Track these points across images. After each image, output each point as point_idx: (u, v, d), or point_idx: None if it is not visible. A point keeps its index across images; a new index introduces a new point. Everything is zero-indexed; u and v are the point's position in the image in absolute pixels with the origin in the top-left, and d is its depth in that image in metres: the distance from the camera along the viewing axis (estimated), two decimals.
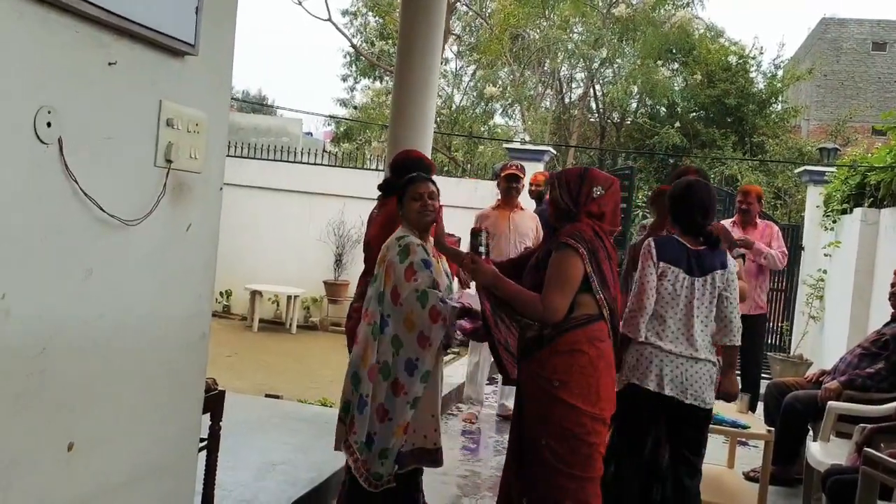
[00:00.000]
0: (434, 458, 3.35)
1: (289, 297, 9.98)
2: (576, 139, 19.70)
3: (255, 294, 9.84)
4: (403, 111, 5.08)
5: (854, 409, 4.46)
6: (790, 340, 8.78)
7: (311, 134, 31.01)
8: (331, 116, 21.30)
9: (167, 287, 2.39)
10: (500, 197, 6.24)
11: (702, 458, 3.56)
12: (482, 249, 3.25)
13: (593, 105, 21.57)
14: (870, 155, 7.06)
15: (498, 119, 21.41)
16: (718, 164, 17.38)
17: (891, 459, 3.12)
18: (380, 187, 4.28)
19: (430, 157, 4.28)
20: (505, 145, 10.80)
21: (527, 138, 10.44)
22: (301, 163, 10.96)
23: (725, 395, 3.66)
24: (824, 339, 8.02)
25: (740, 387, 6.57)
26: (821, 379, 5.18)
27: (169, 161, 2.28)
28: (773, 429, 4.37)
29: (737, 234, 6.51)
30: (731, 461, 5.00)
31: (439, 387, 3.42)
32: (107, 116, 2.05)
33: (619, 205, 3.17)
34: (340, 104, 23.74)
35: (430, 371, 3.19)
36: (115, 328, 2.16)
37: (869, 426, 3.80)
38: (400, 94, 5.17)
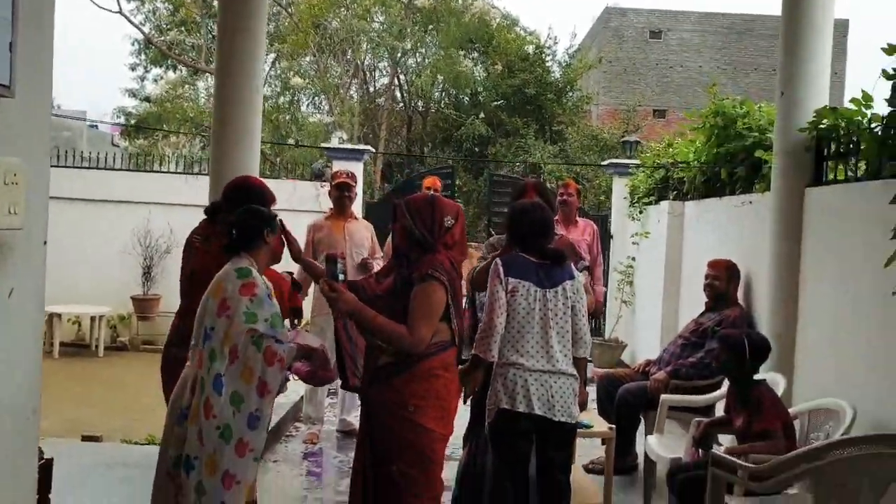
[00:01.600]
0: None
1: (92, 318, 9.18)
2: (385, 129, 19.70)
3: (52, 317, 8.95)
4: (227, 125, 4.71)
5: (684, 400, 4.75)
6: (604, 325, 9.28)
7: (97, 126, 28.78)
8: (120, 124, 19.74)
9: None
10: (331, 206, 6.06)
11: (569, 476, 3.61)
12: (341, 276, 3.12)
13: (398, 95, 21.69)
14: (672, 149, 7.56)
15: (304, 109, 21.00)
16: (522, 152, 18.04)
17: (734, 460, 3.32)
18: (209, 212, 3.94)
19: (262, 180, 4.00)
20: (322, 144, 10.53)
21: (344, 136, 10.23)
22: (99, 168, 10.10)
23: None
24: (636, 322, 8.55)
25: None
26: (647, 369, 5.49)
27: None
28: (614, 426, 4.56)
29: (559, 233, 6.79)
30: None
31: None
32: None
33: (465, 233, 3.27)
34: (130, 95, 22.24)
35: (269, 416, 3.10)
36: None
37: (704, 421, 4.05)
38: (222, 106, 4.79)
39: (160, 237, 9.23)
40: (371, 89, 21.35)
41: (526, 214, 3.66)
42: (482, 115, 19.64)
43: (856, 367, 3.94)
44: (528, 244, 3.59)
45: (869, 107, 4.14)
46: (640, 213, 8.31)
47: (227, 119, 4.70)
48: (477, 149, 19.58)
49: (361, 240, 5.97)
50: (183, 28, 18.75)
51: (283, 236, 3.32)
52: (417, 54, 20.78)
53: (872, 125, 3.94)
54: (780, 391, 4.21)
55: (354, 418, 5.98)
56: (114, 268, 9.36)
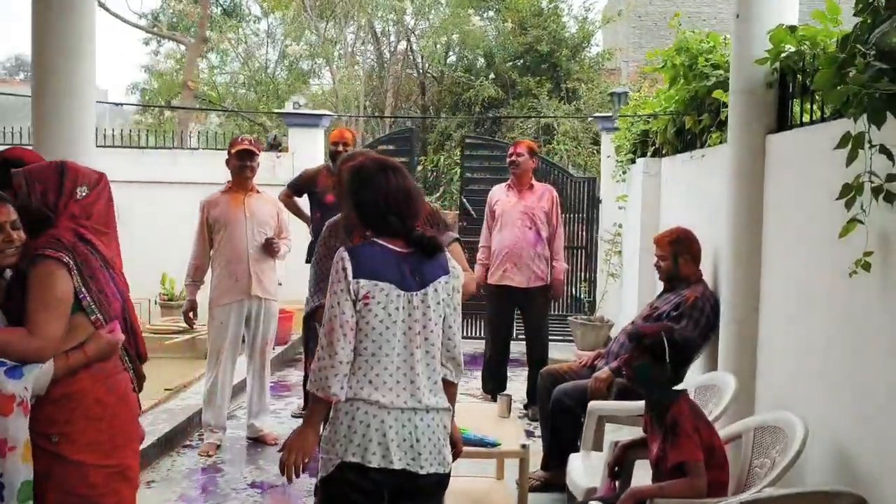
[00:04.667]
0: None
1: None
2: (391, 98, 18.75)
3: None
4: (46, 78, 3.80)
5: (615, 408, 3.82)
6: (594, 301, 8.33)
7: (121, 105, 28.58)
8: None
9: None
10: (230, 178, 5.20)
11: None
12: None
13: (411, 60, 20.66)
14: (651, 98, 6.53)
15: (314, 81, 20.13)
16: (534, 112, 16.96)
17: None
18: None
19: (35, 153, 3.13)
20: (276, 111, 9.66)
21: (301, 101, 9.33)
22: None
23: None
24: (624, 298, 7.58)
25: (526, 381, 5.98)
26: (595, 363, 4.57)
27: None
28: (528, 443, 3.66)
29: (512, 199, 5.87)
30: (500, 472, 4.30)
31: None
32: None
33: (111, 202, 2.60)
34: (145, 71, 21.90)
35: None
36: None
37: (620, 442, 3.13)
38: (40, 50, 3.81)
39: None
40: (386, 55, 20.37)
41: (372, 180, 2.52)
42: (493, 76, 18.54)
43: (814, 369, 2.99)
44: (385, 226, 2.50)
45: (836, 23, 3.13)
46: (624, 173, 7.30)
47: (46, 76, 3.79)
48: (490, 113, 18.51)
49: (265, 216, 5.11)
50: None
51: None
52: (430, 16, 19.75)
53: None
54: (726, 397, 3.28)
55: (265, 423, 5.22)
56: None
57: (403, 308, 2.44)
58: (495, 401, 4.53)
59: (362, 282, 2.40)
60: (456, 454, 2.69)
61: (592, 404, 3.84)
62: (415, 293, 2.45)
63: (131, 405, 2.54)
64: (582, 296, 8.50)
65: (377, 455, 2.38)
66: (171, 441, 4.95)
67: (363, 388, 2.41)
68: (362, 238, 2.64)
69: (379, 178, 2.53)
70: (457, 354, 2.58)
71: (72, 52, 3.82)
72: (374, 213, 2.52)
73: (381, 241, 2.50)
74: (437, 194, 16.45)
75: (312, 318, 3.32)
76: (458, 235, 3.54)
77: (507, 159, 5.85)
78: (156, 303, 8.50)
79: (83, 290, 2.37)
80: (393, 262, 2.46)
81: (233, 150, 5.12)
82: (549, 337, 6.29)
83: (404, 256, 2.48)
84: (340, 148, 5.40)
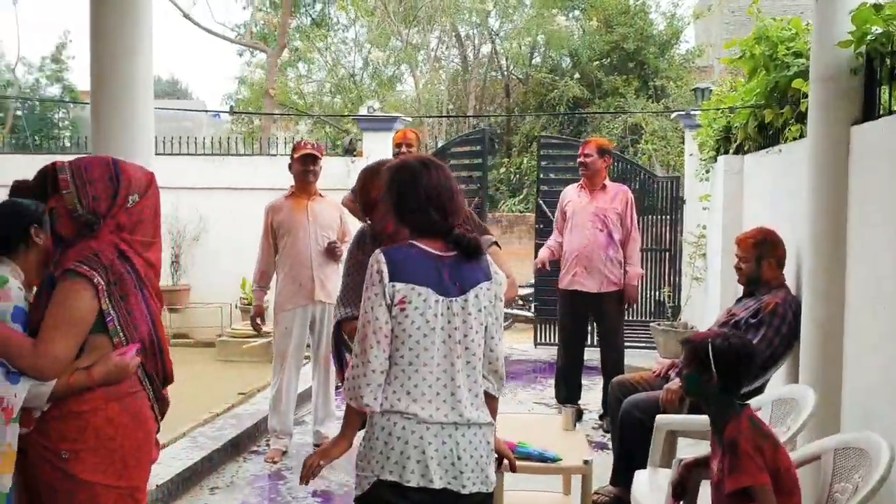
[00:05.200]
0: None
1: None
2: (473, 101, 18.64)
3: None
4: (104, 78, 3.79)
5: (686, 421, 3.57)
6: (677, 306, 7.97)
7: (219, 116, 29.62)
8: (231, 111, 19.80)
9: None
10: (293, 183, 5.19)
11: None
12: None
13: (501, 63, 20.51)
14: (732, 92, 6.18)
15: (398, 87, 20.24)
16: (621, 111, 16.55)
17: None
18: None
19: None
20: (348, 114, 9.66)
21: (376, 105, 9.28)
22: None
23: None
24: (708, 302, 7.21)
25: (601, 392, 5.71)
26: (669, 373, 4.31)
27: None
28: (590, 459, 3.45)
29: (584, 200, 5.65)
30: (566, 487, 4.09)
31: None
32: None
33: (159, 209, 2.47)
34: (239, 82, 22.53)
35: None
36: None
37: (683, 460, 2.90)
38: (98, 50, 3.79)
39: (188, 223, 8.69)
40: (470, 58, 20.30)
41: (414, 176, 2.39)
42: (578, 76, 18.20)
43: None
44: (427, 223, 2.37)
45: None
46: (707, 171, 6.95)
47: (103, 77, 3.80)
48: (577, 115, 18.16)
49: (329, 221, 5.08)
50: (280, 11, 17.98)
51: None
52: (514, 17, 19.57)
53: None
54: (804, 413, 3.00)
55: (330, 429, 5.15)
56: None
57: (442, 315, 2.28)
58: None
59: (398, 285, 2.26)
60: (511, 467, 2.59)
61: (660, 418, 3.60)
62: (454, 299, 2.30)
63: (146, 426, 2.41)
64: (665, 300, 8.16)
65: (416, 473, 2.23)
66: (238, 446, 4.95)
67: (400, 399, 2.26)
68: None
69: (421, 173, 2.40)
70: (499, 367, 2.42)
71: (129, 54, 3.82)
72: (416, 209, 2.38)
73: (418, 244, 2.36)
74: (521, 196, 16.30)
75: (340, 327, 3.29)
76: (496, 239, 3.36)
77: (577, 160, 5.65)
78: (236, 307, 8.65)
79: (111, 312, 2.28)
80: (431, 265, 2.31)
81: (295, 155, 5.12)
82: (631, 344, 6.06)
83: (443, 260, 2.33)
84: (404, 149, 5.24)
